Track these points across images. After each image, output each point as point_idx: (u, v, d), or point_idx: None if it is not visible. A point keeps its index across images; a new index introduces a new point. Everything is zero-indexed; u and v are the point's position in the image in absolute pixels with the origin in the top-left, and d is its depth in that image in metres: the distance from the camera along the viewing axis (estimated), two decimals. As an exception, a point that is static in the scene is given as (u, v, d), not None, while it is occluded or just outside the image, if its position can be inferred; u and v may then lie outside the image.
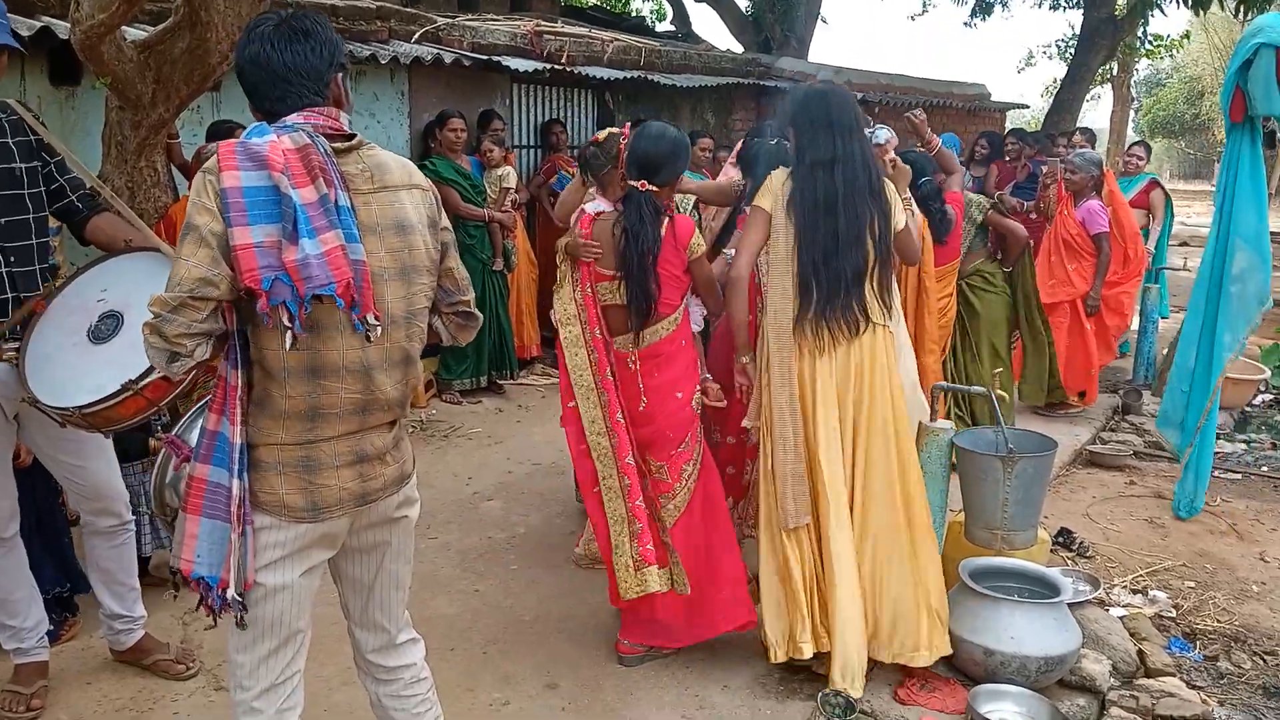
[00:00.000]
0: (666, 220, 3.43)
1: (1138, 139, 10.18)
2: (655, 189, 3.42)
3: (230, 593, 2.04)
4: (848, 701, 3.21)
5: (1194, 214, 24.55)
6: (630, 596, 3.40)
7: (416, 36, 7.57)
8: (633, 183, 3.42)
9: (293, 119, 2.04)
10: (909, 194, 4.11)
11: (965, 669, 3.45)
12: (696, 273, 3.52)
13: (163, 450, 2.51)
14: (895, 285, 3.96)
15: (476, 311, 2.45)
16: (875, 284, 3.39)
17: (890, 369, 3.43)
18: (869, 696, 3.33)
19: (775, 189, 3.38)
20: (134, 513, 3.34)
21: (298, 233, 1.89)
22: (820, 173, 3.30)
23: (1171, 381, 5.19)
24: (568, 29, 9.44)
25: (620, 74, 8.73)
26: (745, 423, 3.61)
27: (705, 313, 3.69)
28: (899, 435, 3.41)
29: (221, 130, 5.04)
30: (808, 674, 3.49)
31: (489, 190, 6.93)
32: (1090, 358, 6.72)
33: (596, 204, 3.58)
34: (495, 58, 7.75)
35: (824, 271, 3.30)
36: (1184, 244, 17.28)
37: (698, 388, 3.57)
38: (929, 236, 5.12)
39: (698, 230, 3.49)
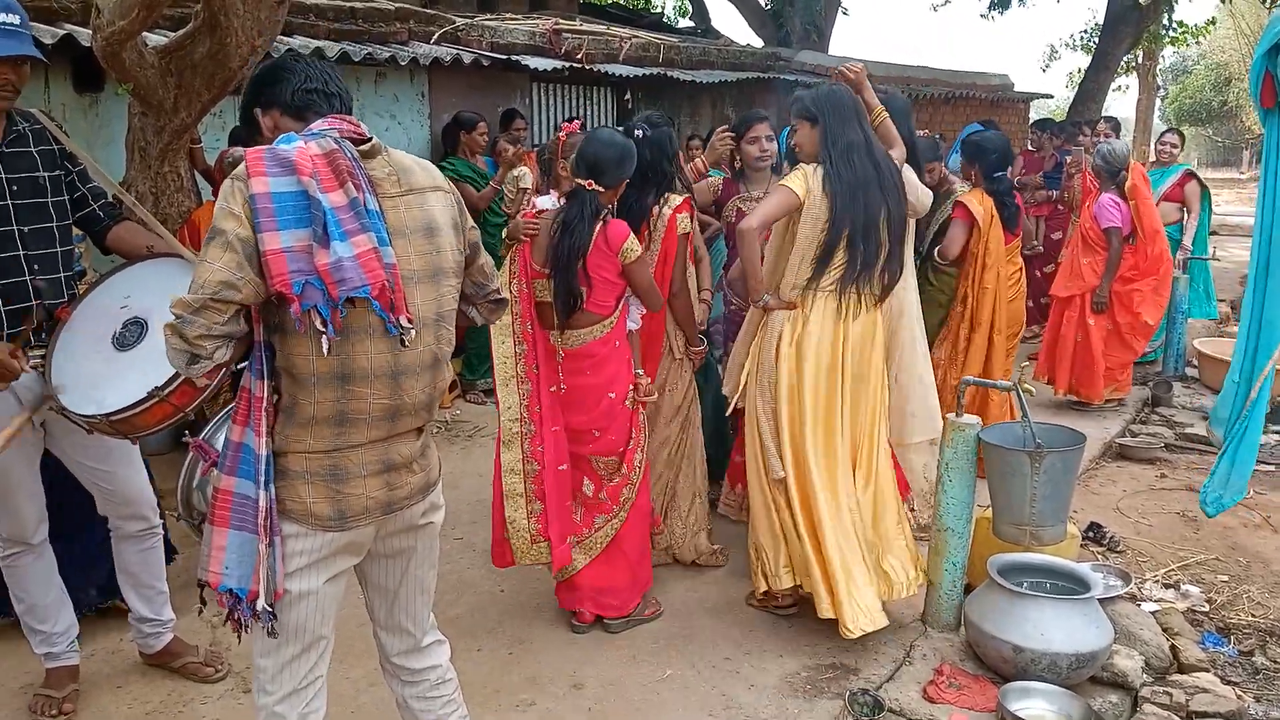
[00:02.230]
0: (601, 223, 3.49)
1: (1170, 127, 9.97)
2: (600, 190, 3.49)
3: (260, 603, 2.04)
4: (875, 700, 3.19)
5: (1223, 202, 24.27)
6: (525, 562, 3.71)
7: (436, 37, 7.59)
8: (580, 181, 3.50)
9: (318, 126, 2.06)
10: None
11: (995, 666, 3.42)
12: (633, 276, 3.58)
13: (190, 454, 2.52)
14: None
15: (506, 296, 2.56)
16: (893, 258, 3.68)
17: (882, 341, 3.78)
18: (897, 695, 3.31)
19: (809, 180, 3.57)
20: None
21: (329, 236, 1.90)
22: (855, 155, 3.57)
23: (1227, 377, 4.99)
24: (586, 27, 9.45)
25: (639, 71, 8.72)
26: (724, 390, 3.98)
27: (643, 312, 3.77)
28: (884, 401, 3.81)
29: (244, 134, 5.06)
30: (835, 672, 3.48)
31: (505, 190, 6.92)
32: (1093, 357, 6.54)
33: (547, 199, 3.71)
34: (514, 57, 7.77)
35: (864, 242, 3.55)
36: (1213, 233, 17.06)
37: (631, 386, 3.70)
38: (998, 218, 5.24)
39: (633, 235, 3.55)
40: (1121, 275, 6.60)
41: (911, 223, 4.32)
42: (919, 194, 4.12)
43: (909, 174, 4.11)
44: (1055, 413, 6.45)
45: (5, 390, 2.83)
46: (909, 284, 4.33)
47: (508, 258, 3.66)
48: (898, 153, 3.89)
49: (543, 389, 3.62)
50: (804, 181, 3.57)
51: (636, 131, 3.86)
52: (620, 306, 3.63)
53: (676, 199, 3.95)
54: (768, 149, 4.41)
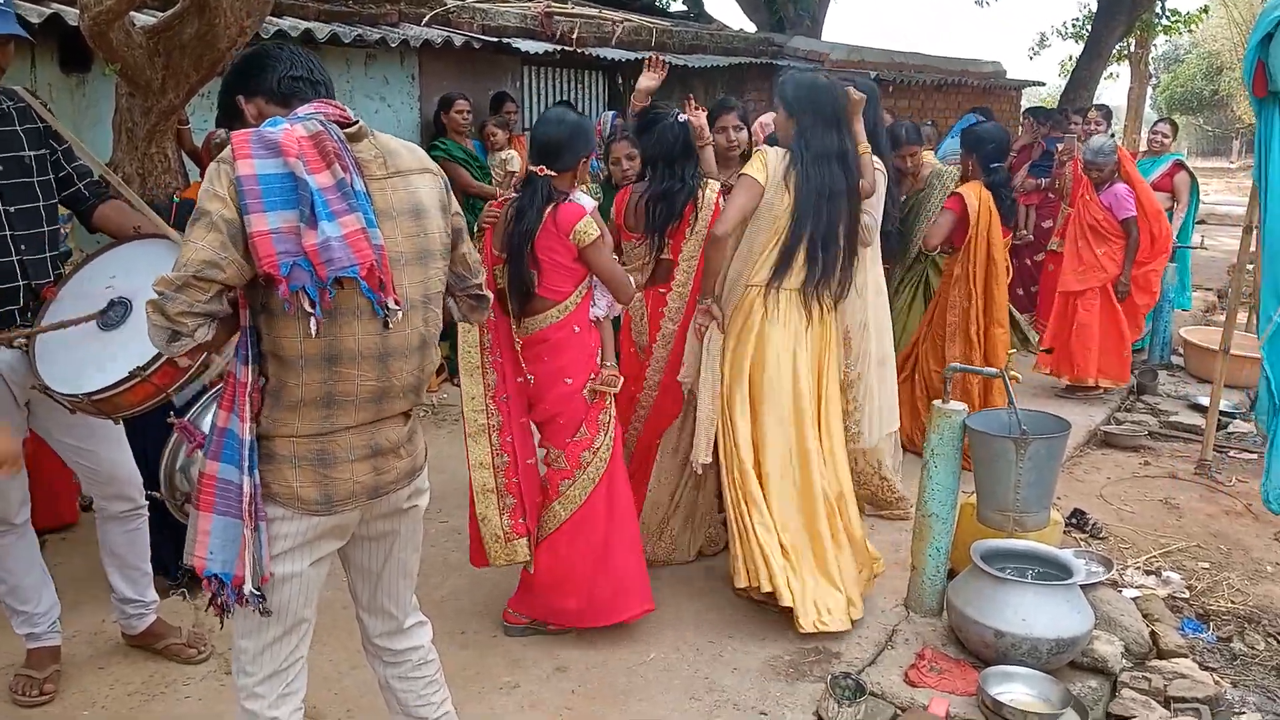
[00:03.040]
0: (550, 206, 3.37)
1: (1163, 116, 9.95)
2: (554, 174, 3.38)
3: (247, 588, 2.04)
4: (857, 683, 3.21)
5: (1213, 191, 24.33)
6: (500, 564, 3.60)
7: (426, 19, 7.55)
8: (532, 168, 3.41)
9: (304, 110, 2.06)
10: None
11: (976, 651, 3.44)
12: (591, 260, 3.42)
13: (175, 435, 2.52)
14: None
15: (487, 292, 2.49)
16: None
17: (838, 346, 3.85)
18: (879, 679, 3.33)
19: (770, 164, 3.60)
20: None
21: (316, 216, 1.90)
22: (827, 164, 3.56)
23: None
24: (578, 10, 9.40)
25: (631, 55, 8.69)
26: (679, 377, 3.93)
27: (610, 301, 3.60)
28: (838, 402, 3.84)
29: (224, 124, 5.02)
30: (818, 656, 3.50)
31: (493, 173, 6.91)
32: (1123, 341, 6.63)
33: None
34: (505, 39, 7.73)
35: (823, 250, 3.58)
36: (1201, 221, 17.09)
37: (592, 376, 3.55)
38: (996, 210, 5.30)
39: (588, 216, 3.38)
40: (1137, 259, 6.64)
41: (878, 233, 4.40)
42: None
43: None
44: (1043, 400, 6.47)
45: None
46: (872, 285, 4.34)
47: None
48: (866, 184, 3.87)
49: (509, 379, 3.55)
50: (764, 166, 3.59)
51: (683, 117, 3.89)
52: (581, 293, 3.48)
53: (715, 183, 3.97)
54: (735, 139, 4.37)
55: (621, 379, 3.70)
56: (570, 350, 3.50)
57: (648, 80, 4.16)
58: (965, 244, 5.26)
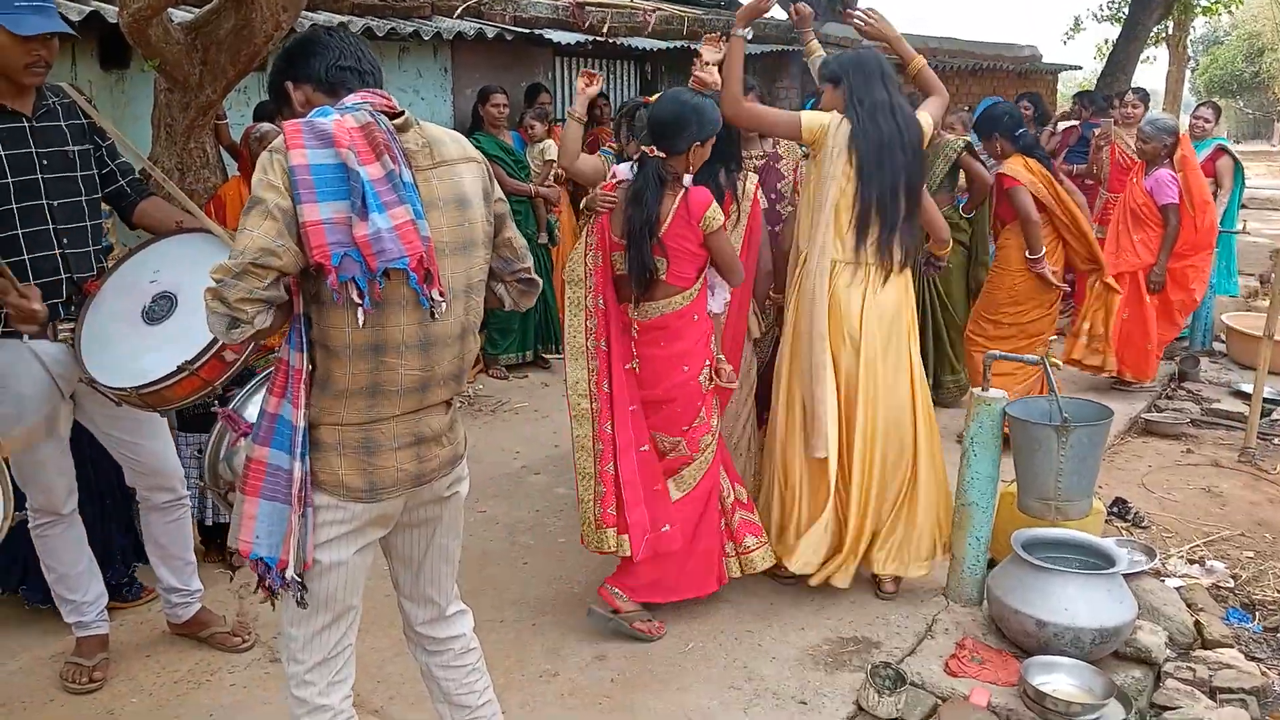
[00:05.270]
0: (681, 191, 3.35)
1: (1205, 100, 9.76)
2: (664, 155, 3.33)
3: (289, 573, 2.07)
4: (897, 673, 3.20)
5: (1254, 175, 23.95)
6: (591, 548, 3.60)
7: (459, 11, 7.57)
8: (644, 148, 3.39)
9: (352, 99, 2.07)
10: None
11: (1017, 640, 3.42)
12: (714, 247, 3.41)
13: (218, 424, 2.55)
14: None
15: (537, 277, 2.49)
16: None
17: (911, 305, 3.77)
18: (919, 668, 3.32)
19: (830, 129, 3.60)
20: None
21: (367, 208, 1.92)
22: (881, 115, 3.56)
23: None
24: (609, 0, 9.37)
25: (663, 44, 8.67)
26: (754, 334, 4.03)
27: (728, 298, 3.59)
28: (916, 365, 3.76)
29: (269, 111, 5.07)
30: (857, 645, 3.49)
31: (532, 165, 6.92)
32: (1148, 334, 6.32)
33: (625, 167, 3.56)
34: (537, 31, 7.73)
35: (891, 204, 3.57)
36: (1242, 206, 16.82)
37: (708, 363, 3.53)
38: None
39: (715, 204, 3.38)
40: (1176, 251, 6.37)
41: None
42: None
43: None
44: (1081, 388, 6.40)
45: (32, 342, 2.87)
46: None
47: (584, 231, 3.58)
48: (939, 101, 3.84)
49: (615, 366, 3.50)
50: (822, 123, 3.59)
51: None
52: (701, 279, 3.47)
53: (754, 176, 3.91)
54: None
55: (737, 378, 3.69)
56: (688, 337, 3.48)
57: (710, 54, 3.94)
58: (1047, 212, 5.29)
